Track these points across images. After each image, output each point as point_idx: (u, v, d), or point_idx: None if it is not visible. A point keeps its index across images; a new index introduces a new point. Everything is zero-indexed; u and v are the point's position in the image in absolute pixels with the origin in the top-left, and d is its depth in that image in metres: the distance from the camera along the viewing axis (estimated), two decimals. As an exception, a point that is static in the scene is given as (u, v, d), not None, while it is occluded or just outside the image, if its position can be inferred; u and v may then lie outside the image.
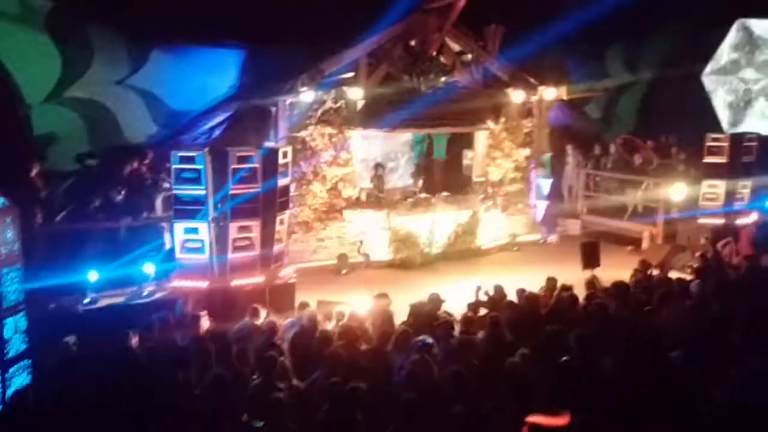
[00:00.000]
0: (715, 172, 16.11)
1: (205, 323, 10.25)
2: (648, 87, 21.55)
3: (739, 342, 8.65)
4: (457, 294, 11.55)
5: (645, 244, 16.68)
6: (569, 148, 19.25)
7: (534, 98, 17.80)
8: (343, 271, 14.99)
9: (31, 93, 13.18)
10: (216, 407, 7.05)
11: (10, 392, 8.41)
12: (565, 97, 18.17)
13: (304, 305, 10.69)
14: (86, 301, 11.51)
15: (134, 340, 9.15)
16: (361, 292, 11.93)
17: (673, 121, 19.42)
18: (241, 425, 6.97)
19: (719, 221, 15.85)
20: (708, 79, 20.41)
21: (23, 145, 12.90)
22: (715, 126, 19.62)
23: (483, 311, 10.51)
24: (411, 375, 7.62)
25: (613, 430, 6.84)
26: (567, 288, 10.85)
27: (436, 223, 16.00)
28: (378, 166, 16.27)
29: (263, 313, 10.21)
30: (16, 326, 8.87)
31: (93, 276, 11.51)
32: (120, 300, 11.74)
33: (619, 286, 10.48)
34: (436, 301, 10.47)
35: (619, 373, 7.62)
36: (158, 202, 13.70)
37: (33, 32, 13.15)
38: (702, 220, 15.97)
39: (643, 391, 7.16)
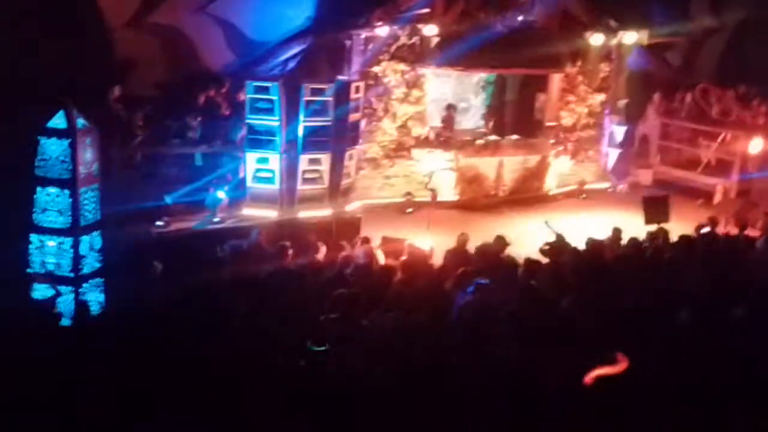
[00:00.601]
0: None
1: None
2: (733, 33, 20.77)
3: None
4: (522, 237, 11.56)
5: (717, 199, 16.28)
6: (656, 96, 18.69)
7: (613, 42, 17.35)
8: (409, 210, 14.98)
9: (114, 17, 13.40)
10: (283, 336, 7.27)
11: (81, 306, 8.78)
12: (645, 42, 17.67)
13: (366, 240, 10.85)
14: (159, 224, 11.85)
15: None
16: (425, 231, 12.01)
17: (758, 72, 18.73)
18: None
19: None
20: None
21: (105, 68, 13.17)
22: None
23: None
24: (464, 314, 7.72)
25: (674, 379, 6.84)
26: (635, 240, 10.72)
27: (503, 166, 15.89)
28: (450, 106, 16.17)
29: (323, 248, 10.35)
30: (91, 244, 9.26)
31: (167, 200, 11.81)
32: (192, 225, 12.02)
33: (684, 240, 10.38)
34: (501, 242, 10.52)
35: (683, 324, 7.61)
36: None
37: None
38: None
39: (706, 343, 7.19)
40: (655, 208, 12.25)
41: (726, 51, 21.08)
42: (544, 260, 10.10)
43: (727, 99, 18.46)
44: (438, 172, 15.49)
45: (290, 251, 9.92)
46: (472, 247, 10.54)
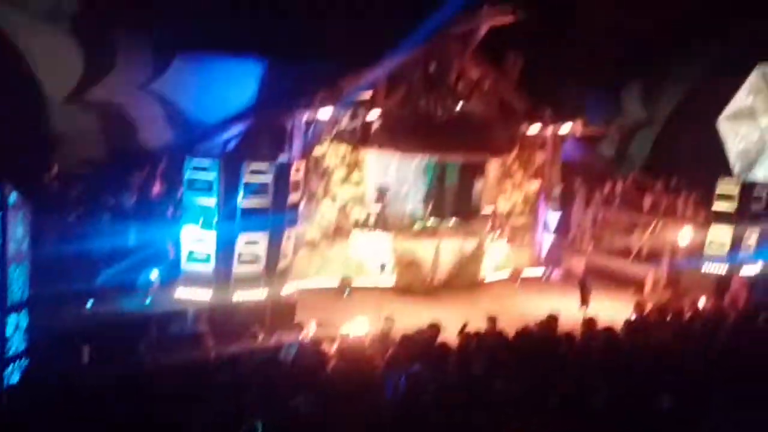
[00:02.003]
0: (723, 218, 15.90)
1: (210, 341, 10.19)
2: (662, 128, 21.56)
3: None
4: (456, 323, 11.52)
5: (647, 288, 16.61)
6: (577, 183, 19.21)
7: (548, 131, 17.85)
8: (346, 293, 15.00)
9: (53, 92, 13.30)
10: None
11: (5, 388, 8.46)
12: (579, 133, 18.22)
13: (300, 326, 10.75)
14: (90, 303, 11.54)
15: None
16: (361, 315, 11.93)
17: (686, 164, 19.35)
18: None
19: (723, 271, 15.67)
20: (723, 124, 20.25)
21: (41, 142, 13.01)
22: (728, 172, 19.48)
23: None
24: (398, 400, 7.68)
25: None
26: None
27: (441, 250, 16.01)
28: (388, 189, 16.31)
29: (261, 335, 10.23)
30: (17, 324, 8.94)
31: (98, 279, 11.56)
32: (124, 306, 11.74)
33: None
34: (434, 329, 10.50)
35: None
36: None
37: (59, 31, 13.29)
38: (706, 268, 15.79)
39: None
40: (586, 293, 12.37)
41: (656, 142, 21.83)
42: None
43: (657, 189, 19.01)
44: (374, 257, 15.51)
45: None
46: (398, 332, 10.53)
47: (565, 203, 18.40)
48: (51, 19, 13.35)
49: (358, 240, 15.69)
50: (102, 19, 13.91)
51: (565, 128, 17.89)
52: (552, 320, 11.38)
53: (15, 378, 8.77)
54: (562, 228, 18.28)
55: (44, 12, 13.22)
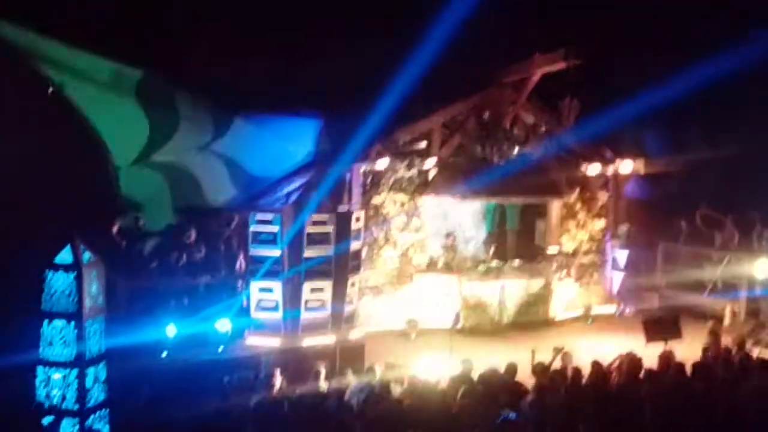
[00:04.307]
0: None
1: (278, 382, 10.29)
2: (729, 162, 21.17)
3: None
4: (527, 363, 11.34)
5: (727, 321, 16.13)
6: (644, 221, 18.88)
7: (609, 171, 17.72)
8: (413, 336, 14.94)
9: (120, 155, 13.72)
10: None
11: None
12: (642, 171, 18.04)
13: (371, 369, 10.73)
14: (164, 355, 11.75)
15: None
16: (429, 357, 11.84)
17: (755, 198, 18.96)
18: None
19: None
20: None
21: (110, 204, 13.40)
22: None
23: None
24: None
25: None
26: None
27: (506, 291, 15.91)
28: (450, 234, 16.36)
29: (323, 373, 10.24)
30: (96, 376, 9.22)
31: (171, 331, 11.77)
32: (197, 356, 11.91)
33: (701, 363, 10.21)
34: (511, 370, 10.34)
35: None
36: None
37: (124, 99, 13.75)
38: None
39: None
40: (661, 327, 11.96)
41: (723, 179, 21.41)
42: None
43: (728, 223, 18.62)
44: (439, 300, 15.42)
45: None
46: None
47: (632, 240, 18.09)
48: (115, 88, 13.84)
49: (422, 284, 15.63)
50: (163, 84, 14.37)
51: (627, 167, 17.73)
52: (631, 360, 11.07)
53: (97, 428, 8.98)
54: (631, 265, 17.92)
55: (108, 81, 13.72)
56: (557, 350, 11.03)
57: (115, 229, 13.05)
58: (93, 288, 9.26)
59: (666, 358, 10.95)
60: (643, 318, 12.23)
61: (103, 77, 13.55)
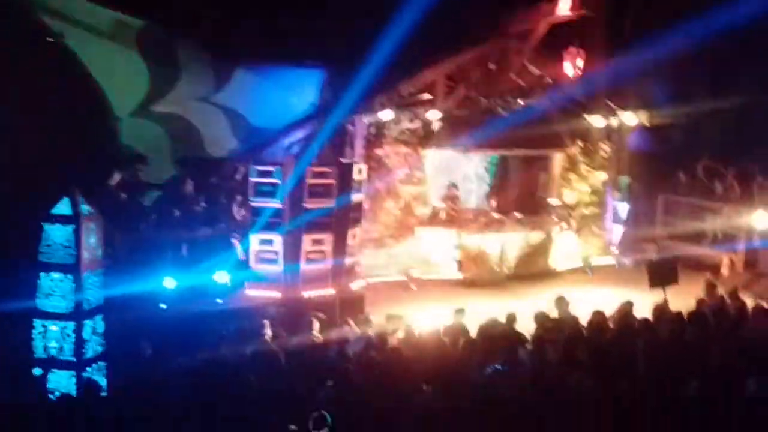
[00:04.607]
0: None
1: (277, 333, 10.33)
2: (733, 114, 20.99)
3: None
4: (527, 313, 11.43)
5: (725, 271, 16.17)
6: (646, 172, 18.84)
7: (613, 123, 17.60)
8: (414, 287, 15.02)
9: (120, 106, 13.68)
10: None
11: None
12: (646, 123, 17.91)
13: (366, 320, 10.83)
14: (163, 307, 11.84)
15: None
16: (429, 308, 11.97)
17: (758, 150, 18.86)
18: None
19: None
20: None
21: (110, 155, 13.40)
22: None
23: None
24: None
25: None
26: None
27: (507, 243, 15.94)
28: (452, 185, 16.36)
29: (316, 324, 10.32)
30: (94, 328, 9.31)
31: (170, 283, 11.84)
32: (196, 307, 12.00)
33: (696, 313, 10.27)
34: (510, 320, 10.45)
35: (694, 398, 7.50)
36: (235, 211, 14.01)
37: (124, 49, 13.67)
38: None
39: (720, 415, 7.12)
40: (661, 272, 11.95)
41: (727, 130, 21.26)
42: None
43: (729, 175, 18.55)
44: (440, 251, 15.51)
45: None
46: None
47: (633, 193, 18.05)
48: (115, 38, 13.74)
49: (423, 236, 15.68)
50: (164, 35, 14.26)
51: (630, 119, 17.60)
52: (627, 309, 11.14)
53: (94, 378, 9.08)
54: (632, 217, 17.92)
55: (108, 31, 13.62)
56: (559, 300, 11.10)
57: (114, 180, 13.05)
58: (91, 240, 9.27)
59: (661, 309, 11.07)
60: (646, 264, 12.22)
61: (103, 27, 13.46)
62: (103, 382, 9.11)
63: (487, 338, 9.77)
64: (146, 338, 9.62)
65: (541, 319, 10.52)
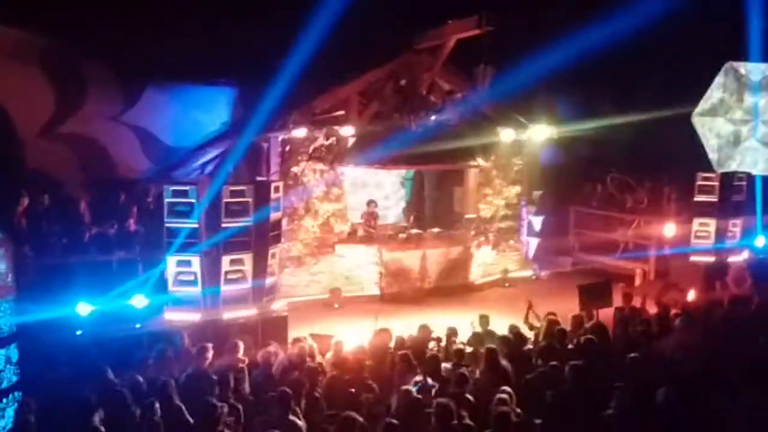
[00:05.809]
0: (705, 210, 16.02)
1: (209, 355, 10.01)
2: (638, 126, 21.71)
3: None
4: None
5: (638, 281, 16.66)
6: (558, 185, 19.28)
7: (523, 137, 17.93)
8: (336, 305, 14.94)
9: (25, 128, 13.22)
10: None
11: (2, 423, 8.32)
12: (554, 136, 18.31)
13: (297, 340, 10.65)
14: (78, 333, 11.38)
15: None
16: (353, 326, 11.88)
17: (664, 161, 19.51)
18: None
19: (710, 259, 15.78)
20: (698, 120, 20.54)
21: (16, 179, 12.89)
22: (706, 166, 19.63)
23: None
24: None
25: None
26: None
27: (427, 259, 16.00)
28: (370, 202, 16.36)
29: (242, 346, 10.08)
30: (7, 358, 8.83)
31: (84, 309, 11.39)
32: (113, 333, 11.58)
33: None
34: (424, 332, 10.49)
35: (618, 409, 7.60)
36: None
37: (28, 68, 13.25)
38: (694, 258, 15.86)
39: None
40: (594, 294, 12.15)
41: (633, 143, 21.96)
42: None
43: (638, 187, 19.14)
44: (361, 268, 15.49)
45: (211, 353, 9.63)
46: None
47: (546, 206, 18.43)
48: (20, 58, 13.29)
49: (344, 254, 15.61)
50: (69, 53, 13.87)
51: (540, 132, 17.96)
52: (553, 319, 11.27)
53: (10, 411, 8.64)
54: (546, 229, 18.28)
55: (10, 50, 13.16)
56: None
57: (22, 205, 12.54)
58: (0, 267, 8.85)
59: (579, 319, 11.28)
60: (578, 286, 12.41)
61: (4, 46, 13.01)
62: (11, 412, 8.68)
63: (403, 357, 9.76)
64: (63, 365, 9.21)
65: (452, 334, 10.71)
